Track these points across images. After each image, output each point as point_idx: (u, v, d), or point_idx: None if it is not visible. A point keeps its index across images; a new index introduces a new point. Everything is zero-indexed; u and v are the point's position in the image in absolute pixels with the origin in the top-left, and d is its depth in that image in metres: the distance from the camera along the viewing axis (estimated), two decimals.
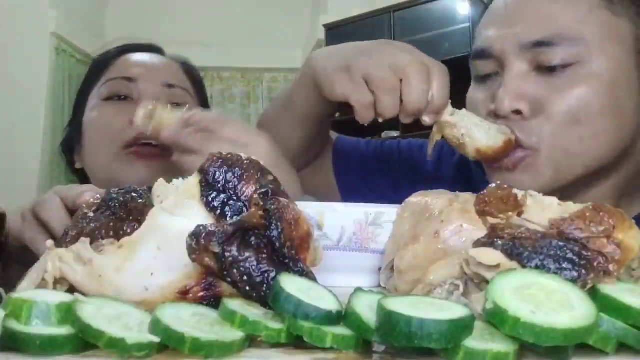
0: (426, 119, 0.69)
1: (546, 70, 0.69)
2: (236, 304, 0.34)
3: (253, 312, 0.34)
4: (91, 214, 0.43)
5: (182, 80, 1.07)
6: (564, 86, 0.68)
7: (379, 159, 0.97)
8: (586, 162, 0.69)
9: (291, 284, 0.34)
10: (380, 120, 0.69)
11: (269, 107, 1.09)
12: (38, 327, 0.31)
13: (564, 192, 0.69)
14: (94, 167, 1.00)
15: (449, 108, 0.70)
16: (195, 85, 1.10)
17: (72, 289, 0.38)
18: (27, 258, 0.54)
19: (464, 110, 0.71)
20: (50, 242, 0.40)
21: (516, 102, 0.69)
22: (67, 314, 0.32)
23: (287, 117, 0.86)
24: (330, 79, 0.71)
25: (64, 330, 0.31)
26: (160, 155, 0.89)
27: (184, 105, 0.99)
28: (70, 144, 1.06)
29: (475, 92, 0.78)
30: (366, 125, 0.72)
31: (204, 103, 1.12)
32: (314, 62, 0.76)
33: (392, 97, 0.67)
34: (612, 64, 0.69)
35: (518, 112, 0.69)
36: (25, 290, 0.37)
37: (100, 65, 1.06)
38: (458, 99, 0.73)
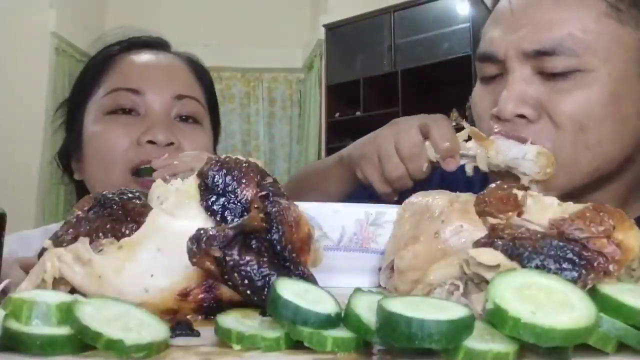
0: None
1: (549, 75, 0.69)
2: (231, 320, 0.33)
3: (248, 324, 0.34)
4: (82, 214, 0.42)
5: (193, 87, 0.97)
6: (567, 92, 0.68)
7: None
8: (591, 169, 0.69)
9: (288, 289, 0.33)
10: None
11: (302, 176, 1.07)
12: (38, 327, 0.31)
13: (571, 195, 0.68)
14: (95, 184, 0.92)
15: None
16: (205, 90, 1.01)
17: (74, 290, 0.38)
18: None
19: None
20: (48, 242, 0.40)
21: (520, 106, 0.68)
22: (67, 314, 0.32)
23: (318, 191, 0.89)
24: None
25: (64, 331, 0.31)
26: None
27: (193, 117, 0.95)
28: (68, 153, 0.98)
29: (479, 94, 0.77)
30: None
31: (213, 109, 1.04)
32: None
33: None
34: (616, 72, 0.68)
35: (522, 117, 0.68)
36: (25, 290, 0.37)
37: (100, 65, 0.95)
38: (459, 98, 0.73)
